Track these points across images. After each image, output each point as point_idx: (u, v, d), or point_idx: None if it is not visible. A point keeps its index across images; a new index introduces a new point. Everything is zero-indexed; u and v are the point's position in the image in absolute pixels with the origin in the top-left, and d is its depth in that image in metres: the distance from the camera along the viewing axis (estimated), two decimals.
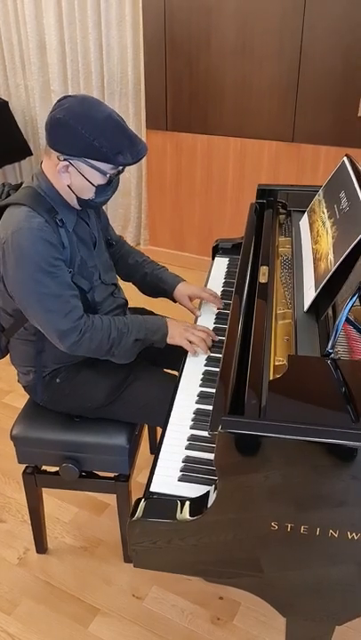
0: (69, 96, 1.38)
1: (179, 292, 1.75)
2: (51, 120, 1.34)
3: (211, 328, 1.63)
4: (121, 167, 1.39)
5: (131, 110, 3.53)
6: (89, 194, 1.41)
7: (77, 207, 1.45)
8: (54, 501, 2.01)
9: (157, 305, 1.84)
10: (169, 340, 1.54)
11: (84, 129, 1.30)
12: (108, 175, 1.37)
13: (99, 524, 1.95)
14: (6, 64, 3.85)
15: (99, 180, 1.38)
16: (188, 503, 1.06)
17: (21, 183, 1.49)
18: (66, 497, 2.02)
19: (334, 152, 3.03)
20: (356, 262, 1.21)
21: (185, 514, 1.04)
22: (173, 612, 1.67)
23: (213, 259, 2.11)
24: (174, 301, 1.78)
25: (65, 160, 1.35)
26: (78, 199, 1.42)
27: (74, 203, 1.44)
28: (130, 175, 3.69)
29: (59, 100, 1.37)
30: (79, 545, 1.88)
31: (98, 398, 1.56)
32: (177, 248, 3.81)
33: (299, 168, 3.20)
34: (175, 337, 1.53)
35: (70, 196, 1.42)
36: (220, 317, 1.70)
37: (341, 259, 1.23)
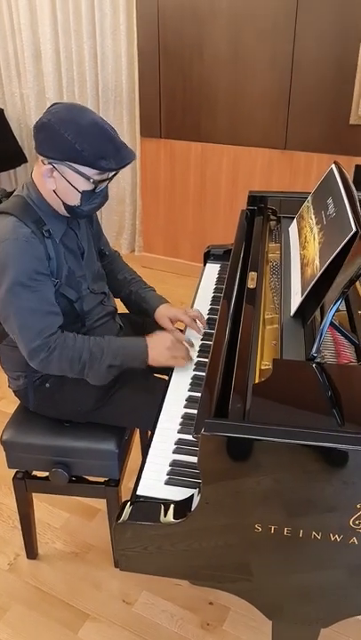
0: (59, 103, 1.40)
1: (159, 313, 1.71)
2: (37, 124, 1.35)
3: (201, 332, 1.65)
4: (109, 174, 1.39)
5: (125, 118, 3.56)
6: (74, 200, 1.40)
7: (66, 214, 1.44)
8: (45, 507, 2.01)
9: None
10: (152, 363, 1.49)
11: (67, 132, 1.30)
12: (91, 180, 1.36)
13: (89, 529, 1.95)
14: (2, 72, 3.88)
15: (83, 185, 1.37)
16: (172, 506, 1.07)
17: (15, 190, 1.50)
18: (57, 503, 2.02)
19: (327, 159, 3.05)
20: (341, 267, 1.22)
21: (169, 516, 1.05)
22: (163, 617, 1.67)
23: (205, 265, 2.13)
24: (156, 323, 1.72)
25: (49, 164, 1.35)
26: (66, 206, 1.42)
27: (61, 210, 1.43)
28: (124, 182, 3.70)
29: (49, 107, 1.39)
30: (70, 550, 1.88)
31: (87, 402, 1.56)
32: (171, 254, 3.83)
33: (291, 175, 3.23)
34: (159, 360, 1.49)
35: (57, 202, 1.42)
36: (209, 322, 1.71)
37: (326, 264, 1.25)
